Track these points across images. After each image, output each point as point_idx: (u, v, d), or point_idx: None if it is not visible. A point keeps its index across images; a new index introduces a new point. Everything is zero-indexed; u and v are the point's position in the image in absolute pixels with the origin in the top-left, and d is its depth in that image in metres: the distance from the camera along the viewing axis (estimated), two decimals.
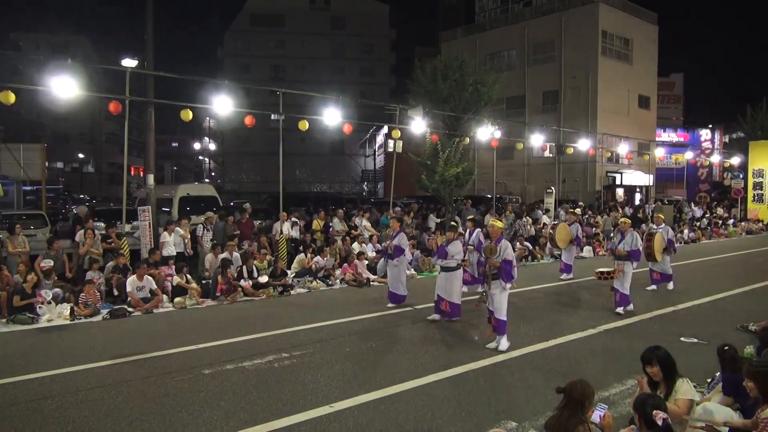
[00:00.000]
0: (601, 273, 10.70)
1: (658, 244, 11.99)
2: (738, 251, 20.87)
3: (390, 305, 10.85)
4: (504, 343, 7.86)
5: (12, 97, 10.99)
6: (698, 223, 27.31)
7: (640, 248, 10.49)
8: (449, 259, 9.65)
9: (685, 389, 4.52)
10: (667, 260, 12.66)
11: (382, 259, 12.51)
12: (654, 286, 12.59)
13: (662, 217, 13.82)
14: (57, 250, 11.91)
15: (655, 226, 13.28)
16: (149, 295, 10.71)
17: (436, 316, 9.75)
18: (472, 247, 12.02)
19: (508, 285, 7.93)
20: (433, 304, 9.96)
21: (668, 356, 4.60)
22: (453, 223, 11.92)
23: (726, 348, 5.30)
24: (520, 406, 5.84)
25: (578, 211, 24.25)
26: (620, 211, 26.16)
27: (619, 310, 10.12)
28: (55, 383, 6.56)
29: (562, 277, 14.14)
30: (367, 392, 6.19)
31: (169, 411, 5.70)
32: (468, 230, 12.75)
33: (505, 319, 7.90)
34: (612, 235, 11.19)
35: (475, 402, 5.96)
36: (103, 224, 14.78)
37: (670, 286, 12.53)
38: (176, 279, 11.47)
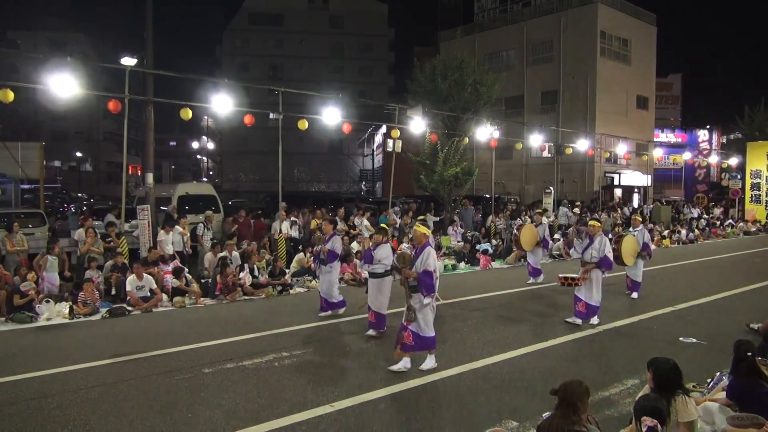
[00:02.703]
0: (565, 278, 9.77)
1: (628, 247, 11.28)
2: (736, 252, 20.92)
3: (321, 314, 9.92)
4: (430, 362, 6.97)
5: (11, 96, 10.97)
6: (696, 224, 27.38)
7: (609, 255, 9.43)
8: (376, 264, 8.61)
9: (685, 409, 4.26)
10: (640, 266, 11.84)
11: (315, 262, 11.15)
12: (635, 294, 11.84)
13: (639, 219, 13.02)
14: (59, 250, 11.88)
15: (631, 229, 12.48)
16: (149, 294, 10.69)
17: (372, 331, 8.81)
18: None
19: (427, 299, 6.96)
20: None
21: (675, 368, 4.37)
22: (383, 225, 10.88)
23: (748, 354, 5.02)
24: (521, 405, 5.85)
25: (576, 210, 24.33)
26: (620, 212, 26.21)
27: (594, 320, 9.34)
28: (55, 382, 6.55)
29: (529, 282, 13.54)
30: (368, 391, 6.19)
31: (169, 410, 5.70)
32: None
33: (431, 335, 7.01)
34: (580, 236, 10.19)
35: (475, 401, 5.97)
36: (102, 223, 14.77)
37: (635, 295, 11.69)
38: (176, 282, 11.43)
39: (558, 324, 9.41)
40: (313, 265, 12.26)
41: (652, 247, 21.48)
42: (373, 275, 8.75)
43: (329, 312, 9.99)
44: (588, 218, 23.21)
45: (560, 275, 9.88)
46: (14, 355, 7.66)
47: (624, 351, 7.92)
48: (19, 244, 12.25)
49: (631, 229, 12.58)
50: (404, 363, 6.91)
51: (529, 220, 20.56)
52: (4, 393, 6.19)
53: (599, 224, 9.91)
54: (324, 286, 10.05)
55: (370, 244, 9.04)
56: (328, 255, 9.87)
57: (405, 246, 14.37)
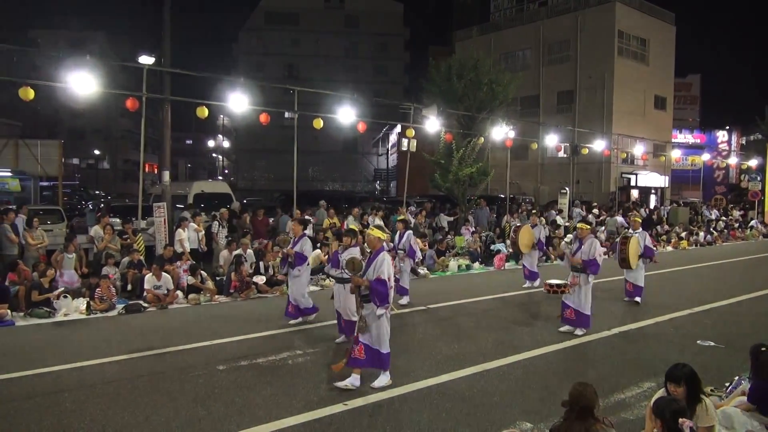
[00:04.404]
0: (551, 286, 9.06)
1: (634, 249, 10.87)
2: (755, 254, 20.62)
3: (291, 321, 9.31)
4: (384, 379, 6.37)
5: (31, 93, 11.10)
6: (714, 226, 27.04)
7: (598, 258, 8.74)
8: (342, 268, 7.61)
9: (705, 414, 4.27)
10: (641, 270, 11.37)
11: (282, 266, 10.07)
12: (636, 298, 11.31)
13: (639, 220, 12.23)
14: (75, 247, 12.02)
15: (632, 231, 11.76)
16: (165, 293, 10.78)
17: (343, 337, 8.24)
18: (402, 252, 11.22)
19: (381, 310, 6.30)
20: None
21: (695, 375, 4.35)
22: (352, 226, 9.95)
23: (765, 350, 5.02)
24: (535, 407, 5.80)
25: (595, 212, 24.12)
26: (635, 212, 25.93)
27: (578, 332, 8.74)
28: (71, 377, 6.62)
29: (525, 285, 13.02)
30: (382, 391, 6.18)
31: (184, 406, 5.74)
32: (398, 232, 11.56)
33: (386, 351, 6.36)
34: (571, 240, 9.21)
35: (489, 402, 5.94)
36: (119, 220, 14.92)
37: (638, 299, 11.19)
38: (191, 279, 11.51)
39: None
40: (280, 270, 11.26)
41: (669, 249, 21.46)
42: (340, 280, 8.01)
43: (299, 319, 9.35)
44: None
45: (546, 282, 9.41)
46: (32, 350, 7.76)
47: (640, 354, 7.83)
48: (39, 239, 12.42)
49: (631, 231, 11.90)
50: (352, 380, 6.29)
51: (543, 220, 20.47)
52: (21, 387, 6.27)
53: (588, 226, 9.24)
54: (293, 291, 9.36)
55: (339, 247, 8.31)
56: (295, 258, 9.18)
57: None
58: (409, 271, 11.66)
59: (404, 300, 11.07)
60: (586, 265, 8.72)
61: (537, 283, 13.14)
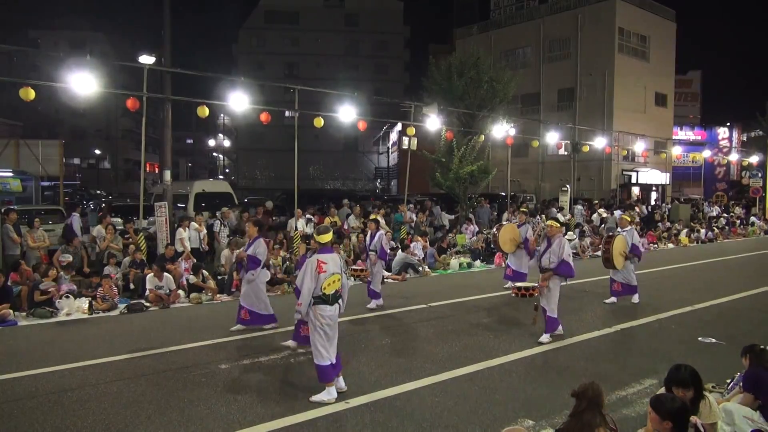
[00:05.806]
0: (519, 289, 8.66)
1: (618, 248, 10.56)
2: (756, 251, 20.62)
3: (233, 329, 8.77)
4: (328, 393, 5.86)
5: (32, 94, 11.12)
6: (716, 222, 27.03)
7: (568, 259, 8.14)
8: None
9: (708, 411, 4.30)
10: (631, 269, 11.04)
11: (238, 269, 9.47)
12: (613, 299, 11.06)
13: (628, 219, 11.73)
14: (76, 246, 12.05)
15: (619, 229, 11.40)
16: (168, 293, 10.80)
17: (292, 343, 7.77)
18: (374, 254, 10.59)
19: (296, 315, 6.09)
20: None
21: (697, 375, 4.34)
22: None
23: (762, 348, 5.14)
24: (537, 404, 5.81)
25: (601, 211, 24.07)
26: (637, 209, 25.95)
27: (543, 338, 8.13)
28: (74, 376, 6.64)
29: (506, 286, 12.09)
30: (383, 388, 6.20)
31: (186, 405, 5.75)
32: (369, 233, 10.99)
33: (322, 363, 5.92)
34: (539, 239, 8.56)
35: (491, 399, 5.95)
36: (120, 220, 14.96)
37: (635, 299, 10.99)
38: (193, 279, 11.52)
39: (574, 322, 9.33)
40: (236, 275, 10.69)
41: (669, 246, 21.46)
42: None
43: (249, 326, 8.73)
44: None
45: (514, 285, 9.02)
46: (34, 350, 7.79)
47: (642, 351, 7.84)
48: (41, 240, 12.45)
49: (619, 229, 11.57)
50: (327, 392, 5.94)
51: (544, 218, 20.46)
52: (24, 387, 6.29)
53: (557, 224, 8.58)
54: (246, 297, 8.74)
55: (306, 250, 7.81)
56: (248, 261, 8.60)
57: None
58: (382, 274, 11.06)
59: (372, 304, 10.47)
60: (558, 268, 8.16)
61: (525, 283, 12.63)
